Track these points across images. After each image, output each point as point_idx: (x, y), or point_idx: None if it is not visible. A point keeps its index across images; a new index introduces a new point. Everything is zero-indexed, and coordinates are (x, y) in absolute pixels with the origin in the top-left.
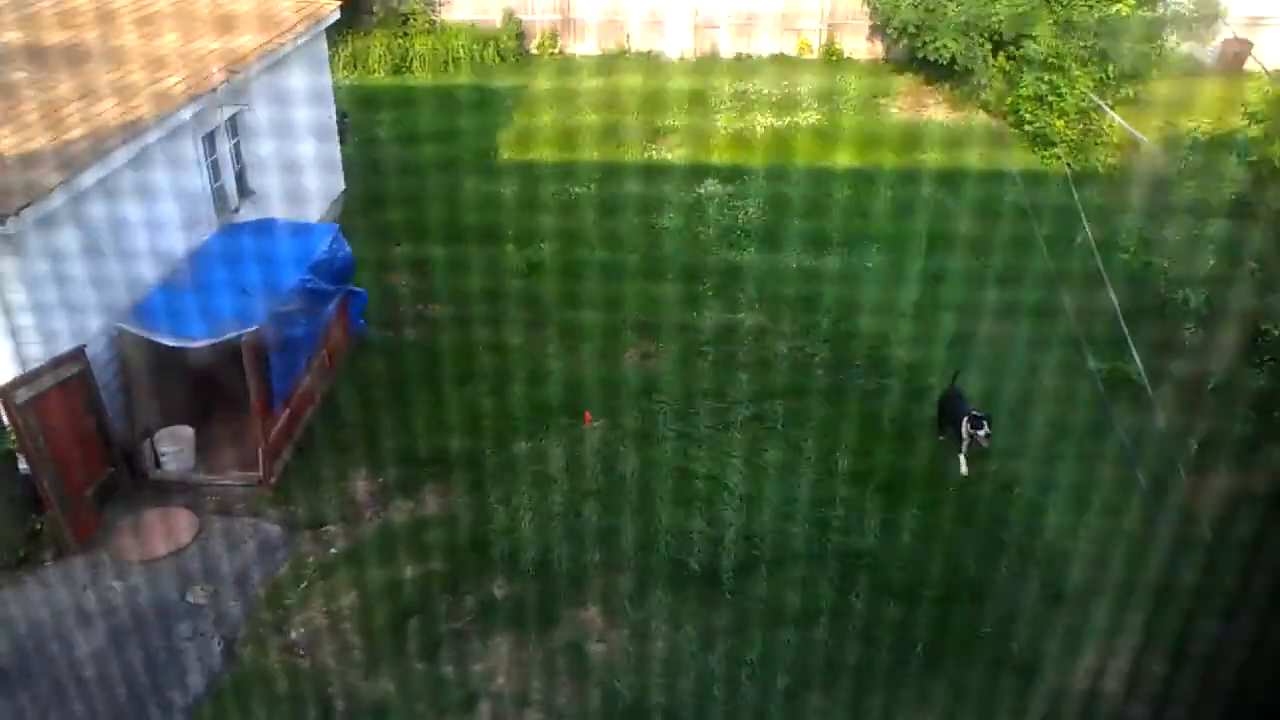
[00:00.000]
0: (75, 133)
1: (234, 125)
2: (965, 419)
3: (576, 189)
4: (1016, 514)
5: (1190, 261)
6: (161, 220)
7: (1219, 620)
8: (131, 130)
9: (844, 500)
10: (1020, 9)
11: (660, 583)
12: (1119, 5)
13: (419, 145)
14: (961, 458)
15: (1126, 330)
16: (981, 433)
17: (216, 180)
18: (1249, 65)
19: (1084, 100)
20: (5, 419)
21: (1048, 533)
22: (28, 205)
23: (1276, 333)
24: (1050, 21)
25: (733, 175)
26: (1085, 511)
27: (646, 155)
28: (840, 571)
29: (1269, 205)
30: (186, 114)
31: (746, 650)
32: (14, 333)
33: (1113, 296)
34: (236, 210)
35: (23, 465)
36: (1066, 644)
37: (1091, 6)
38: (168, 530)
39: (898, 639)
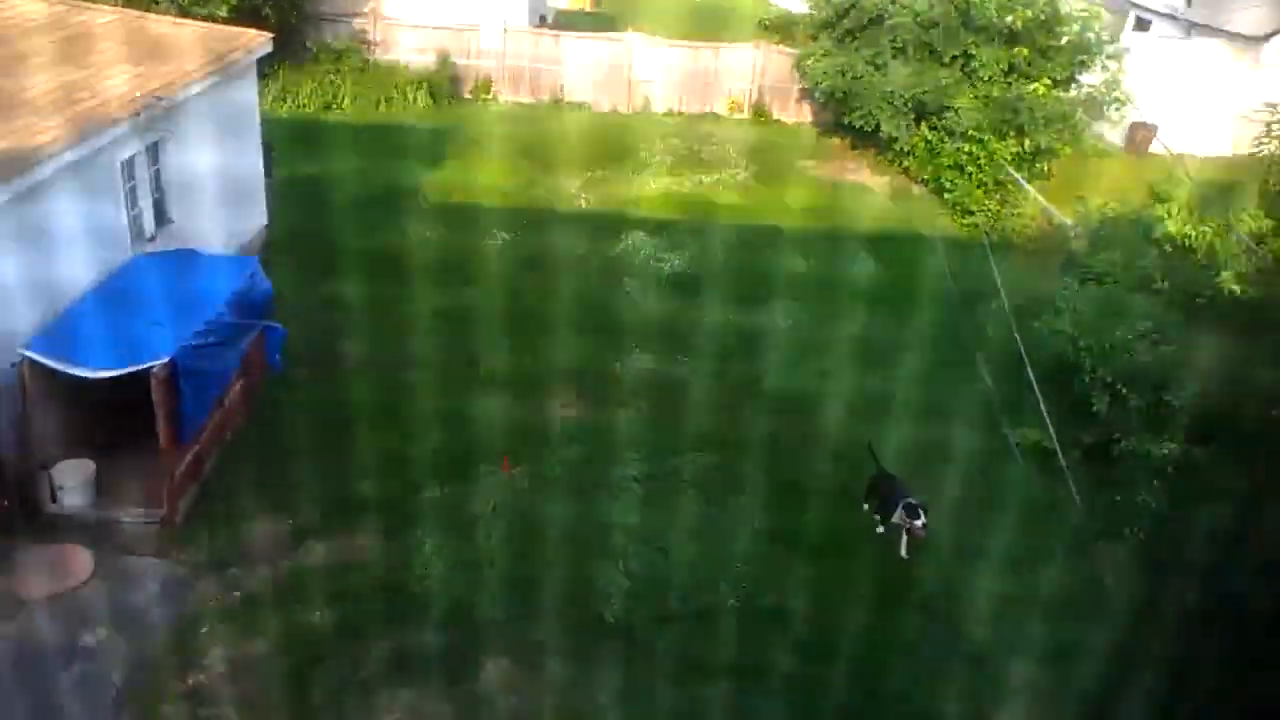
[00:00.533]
0: None
1: (155, 152)
2: (901, 506)
3: (503, 234)
4: (931, 573)
5: (1099, 331)
6: (73, 245)
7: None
8: (46, 151)
9: (761, 557)
10: (945, 82)
11: (575, 634)
12: (1036, 85)
13: (345, 183)
14: (902, 542)
15: (1040, 397)
16: (918, 523)
17: (134, 207)
18: (1154, 148)
19: (1002, 173)
20: None
21: (963, 594)
22: None
23: (1176, 403)
24: (972, 95)
25: (658, 229)
26: (1000, 573)
27: (575, 204)
28: (755, 628)
29: (1172, 279)
30: (105, 139)
31: (662, 704)
32: None
33: (1026, 364)
34: (153, 239)
35: None
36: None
37: (1011, 84)
38: (62, 568)
39: (812, 697)
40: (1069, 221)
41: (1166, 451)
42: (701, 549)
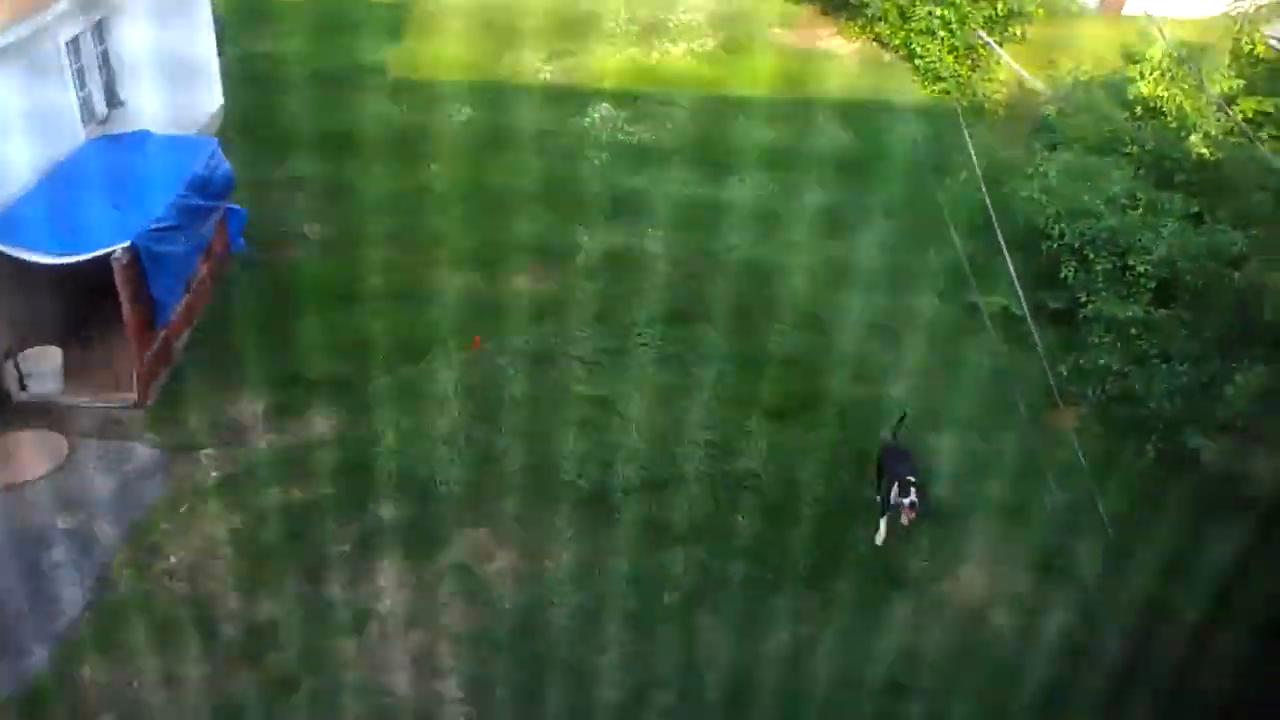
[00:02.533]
0: None
1: (100, 31)
2: (897, 482)
3: (467, 109)
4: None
5: (1067, 197)
6: (22, 130)
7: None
8: None
9: (730, 423)
10: None
11: (549, 503)
12: None
13: (301, 59)
14: (881, 522)
15: (1010, 263)
16: (906, 501)
17: (82, 89)
18: (1127, 10)
19: (973, 37)
20: None
21: (925, 455)
22: None
23: (1141, 267)
24: None
25: (626, 100)
26: (963, 435)
27: (540, 77)
28: (726, 493)
29: (1141, 142)
30: (46, 16)
31: (632, 567)
32: None
33: (997, 230)
34: (105, 122)
35: None
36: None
37: None
38: (35, 454)
39: (780, 557)
40: (1041, 86)
41: (1130, 314)
42: (669, 418)
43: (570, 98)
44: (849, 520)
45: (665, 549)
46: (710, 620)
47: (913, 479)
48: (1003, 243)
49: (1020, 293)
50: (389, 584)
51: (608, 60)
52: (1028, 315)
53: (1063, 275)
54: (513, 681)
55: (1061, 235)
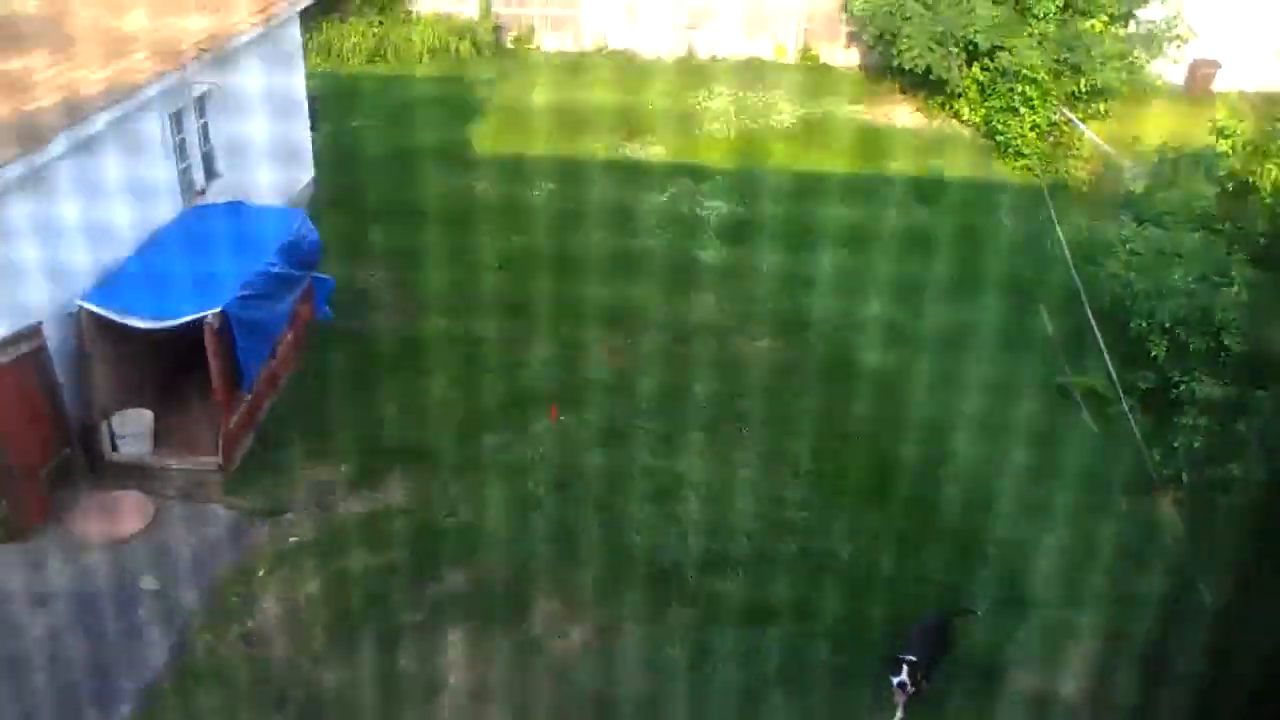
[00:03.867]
0: (38, 105)
1: (203, 105)
2: (892, 661)
3: (549, 184)
4: (983, 521)
5: (1156, 273)
6: (126, 198)
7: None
8: (97, 104)
9: (808, 501)
10: (997, 20)
11: (623, 578)
12: (1093, 21)
13: (391, 135)
14: (899, 711)
15: (1099, 341)
16: (895, 680)
17: (183, 161)
18: (1216, 86)
19: (1056, 113)
20: None
21: (1017, 541)
22: None
23: (1236, 347)
24: (1026, 34)
25: (706, 175)
26: (1053, 520)
27: (621, 152)
28: (803, 573)
29: (1234, 219)
30: (154, 90)
31: (708, 646)
32: None
33: (1086, 307)
34: (202, 192)
35: None
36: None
37: (1065, 22)
38: (123, 514)
39: (858, 639)
40: (1127, 162)
41: (1224, 396)
42: (745, 494)
43: (650, 172)
44: (939, 603)
45: (745, 626)
46: (783, 702)
47: (911, 658)
48: (1091, 320)
49: (1111, 372)
50: (460, 654)
51: (687, 135)
52: (1120, 395)
53: (1153, 354)
54: None
55: (1151, 313)
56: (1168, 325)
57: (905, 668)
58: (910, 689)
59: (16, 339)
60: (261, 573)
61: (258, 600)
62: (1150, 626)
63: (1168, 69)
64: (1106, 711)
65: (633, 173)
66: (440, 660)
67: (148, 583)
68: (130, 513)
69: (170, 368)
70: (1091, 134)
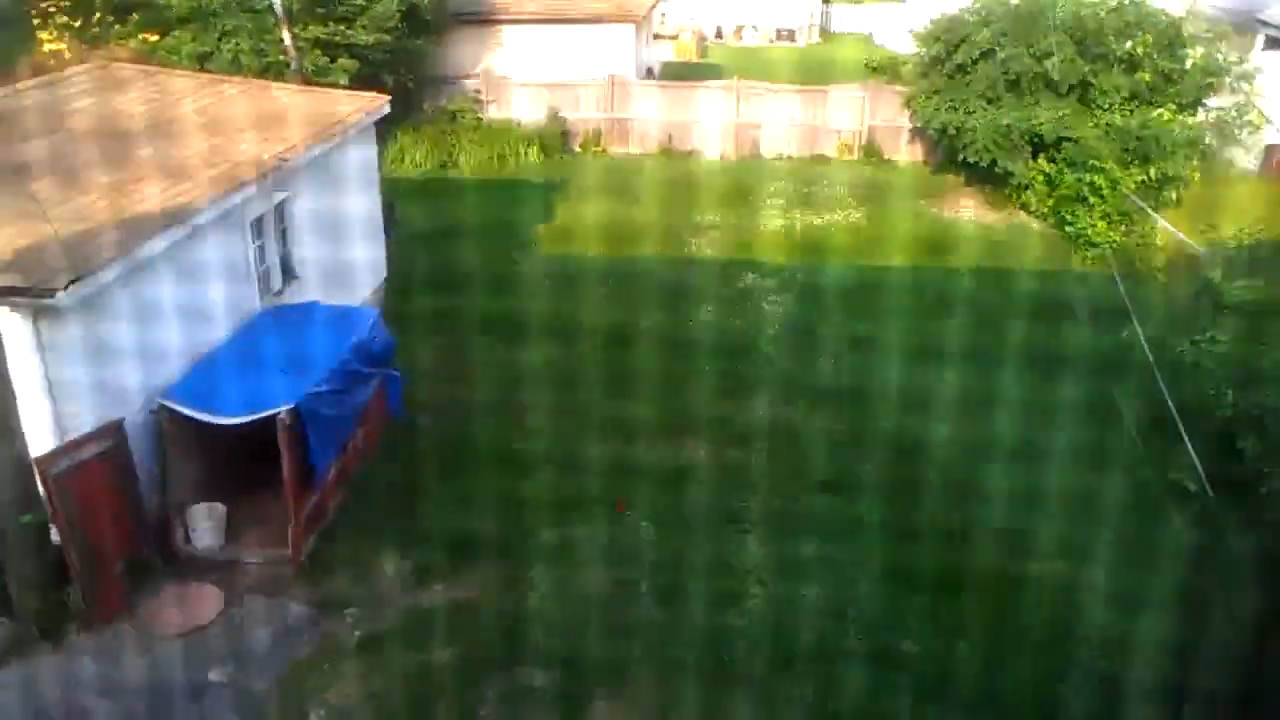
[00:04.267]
0: (129, 214)
1: (281, 211)
2: None
3: (616, 282)
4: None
5: (1241, 363)
6: (206, 299)
7: None
8: (182, 214)
9: (879, 598)
10: (1062, 113)
11: (691, 677)
12: (1160, 110)
13: (462, 238)
14: None
15: (1184, 435)
16: None
17: (262, 264)
18: None
19: (1126, 202)
20: (40, 489)
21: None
22: (76, 280)
23: None
24: (1092, 125)
25: (772, 272)
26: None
27: (686, 251)
28: (877, 672)
29: None
30: (237, 198)
31: None
32: (54, 403)
33: (1168, 400)
34: (280, 293)
35: (54, 536)
36: None
37: (1133, 112)
38: (194, 606)
39: None
40: (1202, 249)
41: None
42: (820, 591)
43: (717, 269)
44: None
45: None
46: None
47: None
48: (1175, 413)
49: (1198, 466)
50: None
51: (754, 233)
52: (1206, 490)
53: (1240, 446)
54: None
55: (1236, 404)
56: (1255, 415)
57: None
58: None
59: (99, 435)
60: (328, 666)
61: (324, 692)
62: None
63: (1241, 156)
64: None
65: (700, 269)
66: None
67: (217, 675)
68: (202, 605)
69: (245, 462)
70: (1164, 222)
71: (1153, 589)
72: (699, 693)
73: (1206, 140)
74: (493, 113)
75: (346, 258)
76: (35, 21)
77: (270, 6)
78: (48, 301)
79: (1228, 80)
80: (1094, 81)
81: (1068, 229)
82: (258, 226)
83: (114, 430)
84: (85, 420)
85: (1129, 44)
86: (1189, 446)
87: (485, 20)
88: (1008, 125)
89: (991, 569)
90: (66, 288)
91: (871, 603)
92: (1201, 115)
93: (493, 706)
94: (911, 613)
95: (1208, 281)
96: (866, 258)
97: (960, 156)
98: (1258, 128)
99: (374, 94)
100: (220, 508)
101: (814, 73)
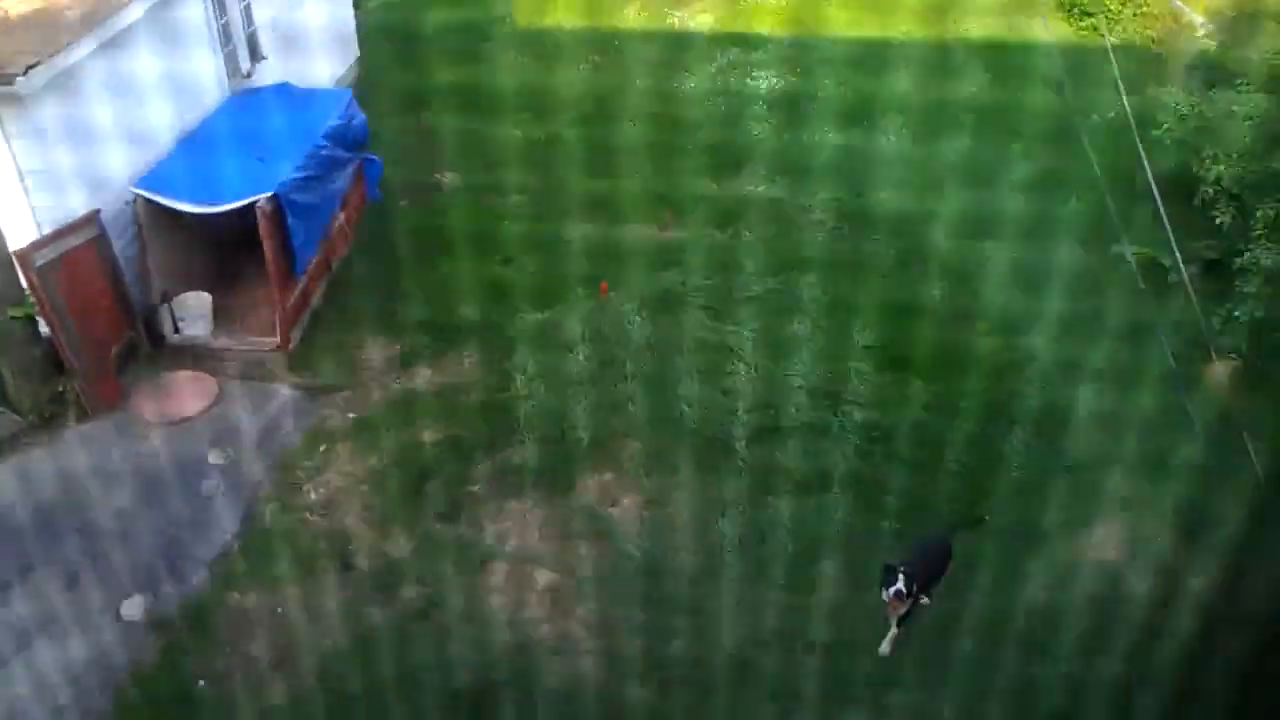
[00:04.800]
0: None
1: None
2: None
3: (595, 56)
4: (1034, 390)
5: (1226, 137)
6: (174, 85)
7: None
8: None
9: (855, 373)
10: None
11: (675, 450)
12: None
13: (433, 9)
14: (893, 628)
15: (1161, 210)
16: (890, 590)
17: (227, 44)
18: None
19: None
20: (24, 281)
21: (1065, 410)
22: (37, 64)
23: None
24: None
25: (757, 45)
26: (1104, 390)
27: (668, 23)
28: (848, 444)
29: None
30: None
31: (759, 515)
32: (28, 195)
33: (1149, 174)
34: (249, 76)
35: (43, 328)
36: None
37: None
38: (189, 394)
39: (904, 509)
40: (1199, 19)
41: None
42: (791, 366)
43: (700, 44)
44: (976, 477)
45: (795, 497)
46: (832, 568)
47: (901, 566)
48: (1154, 188)
49: (1172, 241)
50: (516, 523)
51: (738, 5)
52: (1180, 265)
53: (1218, 222)
54: (638, 622)
55: (1218, 180)
56: (1235, 191)
57: (901, 577)
58: (906, 599)
59: (78, 225)
60: (324, 447)
61: (321, 473)
62: (1199, 494)
63: None
64: (1146, 575)
65: (680, 43)
66: (495, 529)
67: (215, 457)
68: (195, 392)
69: (226, 253)
70: None
71: (1117, 354)
72: (683, 465)
73: None
74: None
75: (315, 37)
76: None
77: None
78: (8, 89)
79: None
80: None
81: None
82: (220, 5)
83: (93, 220)
84: (63, 212)
85: None
86: (1166, 222)
87: None
88: None
89: (956, 342)
90: (26, 73)
91: (842, 377)
92: None
93: (484, 484)
94: (879, 387)
95: (1201, 54)
96: (858, 29)
97: None
98: None
99: None
100: (206, 296)
101: None
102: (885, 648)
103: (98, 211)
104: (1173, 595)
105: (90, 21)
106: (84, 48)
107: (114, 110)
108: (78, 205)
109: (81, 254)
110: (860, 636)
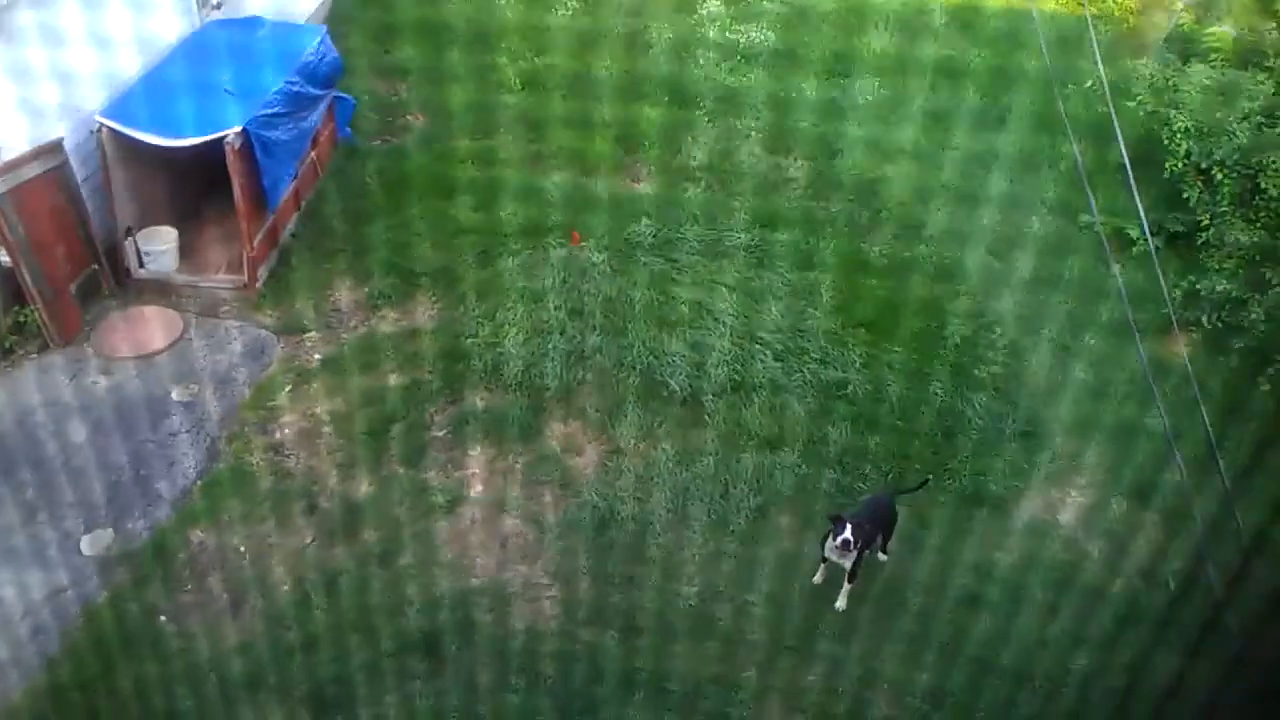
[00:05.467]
0: None
1: None
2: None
3: (573, 2)
4: (998, 356)
5: (1198, 111)
6: (139, 11)
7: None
8: None
9: (822, 331)
10: None
11: (640, 401)
12: None
13: None
14: (845, 584)
15: (1131, 181)
16: (835, 541)
17: None
18: None
19: None
20: None
21: (1024, 374)
22: None
23: (1273, 190)
24: None
25: None
26: (1064, 355)
27: None
28: (815, 401)
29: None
30: None
31: (721, 468)
32: None
33: (1121, 146)
34: (218, 6)
35: (3, 257)
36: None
37: None
38: (153, 329)
39: (870, 468)
40: None
41: (1255, 239)
42: (761, 323)
43: None
44: (937, 436)
45: (752, 452)
46: (792, 523)
47: (847, 517)
48: (1126, 160)
49: (1141, 213)
50: (480, 469)
51: None
52: (1146, 236)
53: (1185, 196)
54: (597, 570)
55: (1188, 154)
56: (1204, 166)
57: (849, 527)
58: (854, 549)
59: (39, 154)
60: (288, 388)
61: (285, 413)
62: (1154, 461)
63: None
64: (1099, 539)
65: None
66: (459, 475)
67: (180, 394)
68: (159, 327)
69: (194, 188)
70: None
71: (1079, 323)
72: (649, 413)
73: None
74: None
75: None
76: None
77: None
78: None
79: None
80: None
81: None
82: None
83: (55, 149)
84: (22, 142)
85: None
86: (1135, 194)
87: None
88: None
89: (921, 304)
90: None
91: (809, 335)
92: None
93: (448, 429)
94: (846, 346)
95: (1178, 27)
96: None
97: None
98: None
99: None
100: (172, 231)
101: None
102: (841, 603)
103: (60, 140)
104: (1121, 558)
105: None
106: None
107: (77, 36)
108: (39, 133)
109: (43, 183)
110: (816, 590)
